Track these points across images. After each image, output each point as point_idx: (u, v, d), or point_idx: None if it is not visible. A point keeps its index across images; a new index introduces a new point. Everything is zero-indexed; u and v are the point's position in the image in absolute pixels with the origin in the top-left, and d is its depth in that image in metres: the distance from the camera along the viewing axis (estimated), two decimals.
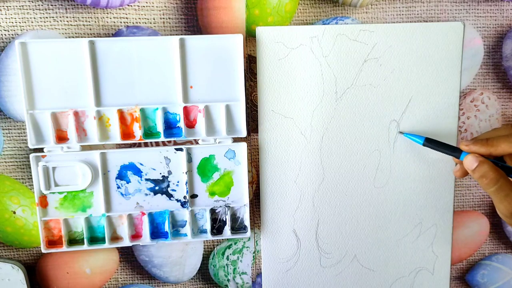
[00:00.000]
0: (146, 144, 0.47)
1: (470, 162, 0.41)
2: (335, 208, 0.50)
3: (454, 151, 0.44)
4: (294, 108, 0.48)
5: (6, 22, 0.44)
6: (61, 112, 0.44)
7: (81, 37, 0.45)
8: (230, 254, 0.51)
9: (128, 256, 0.50)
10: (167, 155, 0.46)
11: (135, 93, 0.45)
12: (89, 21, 0.45)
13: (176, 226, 0.48)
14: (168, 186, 0.47)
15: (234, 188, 0.48)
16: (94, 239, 0.48)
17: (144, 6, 0.45)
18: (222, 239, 0.50)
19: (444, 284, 0.53)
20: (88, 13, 0.44)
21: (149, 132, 0.46)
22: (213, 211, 0.48)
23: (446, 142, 0.46)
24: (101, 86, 0.44)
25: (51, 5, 0.44)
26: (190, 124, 0.46)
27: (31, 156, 0.44)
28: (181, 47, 0.44)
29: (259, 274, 0.52)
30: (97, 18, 0.45)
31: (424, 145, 0.46)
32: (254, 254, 0.51)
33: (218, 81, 0.45)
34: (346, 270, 0.52)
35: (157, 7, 0.45)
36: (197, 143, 0.47)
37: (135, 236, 0.48)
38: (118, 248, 0.50)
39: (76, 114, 0.44)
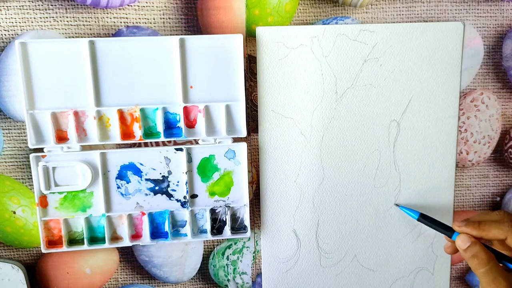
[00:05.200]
0: (146, 144, 0.47)
1: (462, 241, 0.42)
2: (335, 208, 0.50)
3: (447, 230, 0.45)
4: (294, 108, 0.48)
5: (6, 22, 0.44)
6: (61, 112, 0.44)
7: (81, 37, 0.45)
8: (230, 254, 0.51)
9: (128, 256, 0.50)
10: (167, 155, 0.46)
11: (135, 93, 0.45)
12: (89, 21, 0.45)
13: (176, 226, 0.48)
14: (168, 186, 0.47)
15: (234, 188, 0.48)
16: (94, 239, 0.48)
17: (144, 6, 0.45)
18: (222, 239, 0.50)
19: (444, 284, 0.53)
20: (88, 13, 0.44)
21: (149, 132, 0.46)
22: (213, 211, 0.48)
23: (444, 147, 0.46)
24: (101, 86, 0.44)
25: (51, 5, 0.44)
26: (190, 124, 0.46)
27: (31, 156, 0.44)
28: (181, 47, 0.44)
29: (259, 274, 0.52)
30: (97, 18, 0.45)
31: (418, 220, 0.47)
32: (254, 254, 0.51)
33: (218, 81, 0.45)
34: (346, 270, 0.52)
35: (157, 7, 0.45)
36: (197, 143, 0.47)
37: (135, 236, 0.48)
38: (118, 248, 0.50)
39: (76, 114, 0.44)
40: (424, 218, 0.47)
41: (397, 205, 0.50)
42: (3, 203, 0.47)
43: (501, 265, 0.41)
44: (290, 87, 0.47)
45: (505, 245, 0.41)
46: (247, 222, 0.49)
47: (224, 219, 0.49)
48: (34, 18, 0.44)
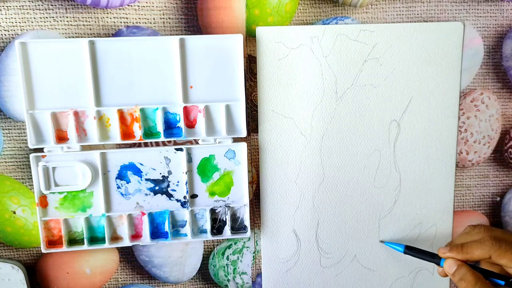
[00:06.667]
0: (146, 144, 0.47)
1: (449, 266, 0.43)
2: (335, 208, 0.50)
3: (433, 258, 0.45)
4: (294, 108, 0.48)
5: (6, 22, 0.44)
6: (61, 112, 0.44)
7: (81, 37, 0.45)
8: (230, 254, 0.51)
9: (128, 256, 0.50)
10: (167, 155, 0.46)
11: (135, 93, 0.45)
12: (89, 21, 0.45)
13: (176, 226, 0.48)
14: (168, 186, 0.47)
15: (234, 188, 0.48)
16: (94, 239, 0.48)
17: (144, 6, 0.45)
18: (222, 239, 0.50)
19: (444, 284, 0.53)
20: (88, 13, 0.44)
21: (149, 132, 0.46)
22: (213, 211, 0.48)
23: (444, 147, 0.46)
24: (101, 86, 0.44)
25: (51, 5, 0.44)
26: (190, 124, 0.46)
27: (31, 156, 0.44)
28: (181, 47, 0.44)
29: (259, 274, 0.52)
30: (97, 18, 0.45)
31: (405, 252, 0.48)
32: (254, 254, 0.51)
33: (218, 81, 0.45)
34: (346, 270, 0.52)
35: (157, 7, 0.45)
36: (197, 143, 0.47)
37: (135, 236, 0.48)
38: (118, 248, 0.50)
39: (76, 114, 0.44)
40: (410, 250, 0.47)
41: (382, 241, 0.51)
42: (3, 203, 0.47)
43: (489, 282, 0.41)
44: (290, 87, 0.47)
45: (494, 262, 0.42)
46: (247, 222, 0.49)
47: (224, 219, 0.49)
48: (34, 18, 0.44)
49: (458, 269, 0.42)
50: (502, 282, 0.41)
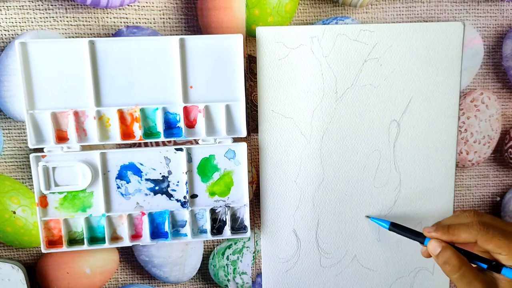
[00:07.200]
0: (146, 144, 0.47)
1: (433, 247, 0.41)
2: (335, 208, 0.50)
3: (418, 236, 0.44)
4: (294, 108, 0.48)
5: (6, 22, 0.44)
6: (61, 112, 0.44)
7: (81, 37, 0.45)
8: (230, 254, 0.51)
9: (128, 256, 0.50)
10: (167, 155, 0.46)
11: (135, 93, 0.45)
12: (89, 21, 0.45)
13: (176, 226, 0.48)
14: (168, 186, 0.47)
15: (234, 188, 0.48)
16: (94, 239, 0.48)
17: (144, 6, 0.45)
18: (222, 239, 0.50)
19: (444, 284, 0.53)
20: (88, 13, 0.44)
21: (149, 132, 0.46)
22: (213, 211, 0.48)
23: (444, 147, 0.46)
24: (101, 86, 0.44)
25: (51, 5, 0.44)
26: (190, 124, 0.46)
27: (31, 156, 0.44)
28: (181, 47, 0.44)
29: (259, 274, 0.52)
30: (97, 18, 0.45)
31: (389, 229, 0.47)
32: (254, 254, 0.51)
33: (218, 81, 0.45)
34: (346, 270, 0.52)
35: (157, 7, 0.45)
36: (197, 143, 0.47)
37: (135, 236, 0.48)
38: (118, 248, 0.50)
39: (76, 114, 0.44)
40: (395, 227, 0.47)
41: (367, 216, 0.50)
42: (3, 203, 0.47)
43: (474, 266, 0.40)
44: (290, 87, 0.47)
45: (481, 247, 0.41)
46: (247, 222, 0.49)
47: (224, 219, 0.49)
48: (34, 18, 0.44)
49: (442, 251, 0.41)
50: (485, 266, 0.40)
